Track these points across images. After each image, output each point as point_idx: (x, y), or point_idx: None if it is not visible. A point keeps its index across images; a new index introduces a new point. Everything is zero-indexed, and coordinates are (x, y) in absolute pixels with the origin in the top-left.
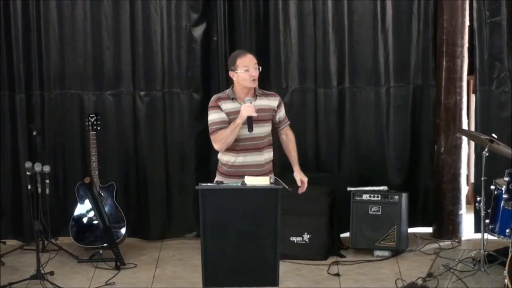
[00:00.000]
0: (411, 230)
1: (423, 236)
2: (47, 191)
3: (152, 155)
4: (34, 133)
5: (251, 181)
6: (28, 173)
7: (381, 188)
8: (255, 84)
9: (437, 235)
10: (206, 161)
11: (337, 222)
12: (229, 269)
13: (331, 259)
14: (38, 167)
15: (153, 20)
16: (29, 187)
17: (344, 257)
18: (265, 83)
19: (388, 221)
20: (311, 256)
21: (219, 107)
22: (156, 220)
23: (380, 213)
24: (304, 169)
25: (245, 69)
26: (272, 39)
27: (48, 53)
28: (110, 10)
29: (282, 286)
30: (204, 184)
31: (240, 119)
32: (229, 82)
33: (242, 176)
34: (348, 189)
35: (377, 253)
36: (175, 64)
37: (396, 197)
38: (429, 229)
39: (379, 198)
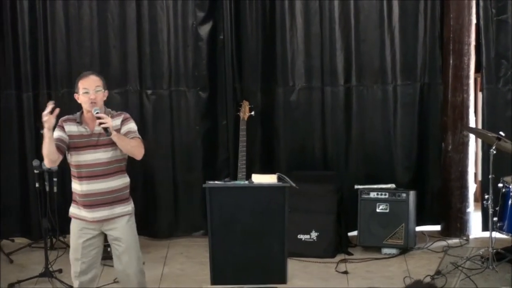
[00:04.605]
0: (419, 228)
1: (431, 234)
2: (55, 189)
3: (159, 153)
4: (42, 131)
5: (258, 179)
6: (35, 171)
7: (389, 186)
8: (93, 107)
9: (445, 233)
10: (213, 159)
11: (345, 220)
12: (237, 267)
13: (339, 257)
14: (45, 165)
15: (159, 19)
16: (36, 185)
17: (352, 255)
18: (272, 82)
19: (395, 219)
20: (319, 254)
21: (62, 128)
22: (163, 218)
23: (387, 211)
24: (311, 167)
25: (85, 91)
26: (279, 38)
27: (55, 52)
28: (116, 8)
29: (290, 283)
30: (212, 182)
31: (45, 126)
32: (236, 80)
33: (92, 206)
34: (356, 187)
35: (385, 251)
36: (181, 63)
37: (404, 195)
38: (437, 227)
39: (387, 196)
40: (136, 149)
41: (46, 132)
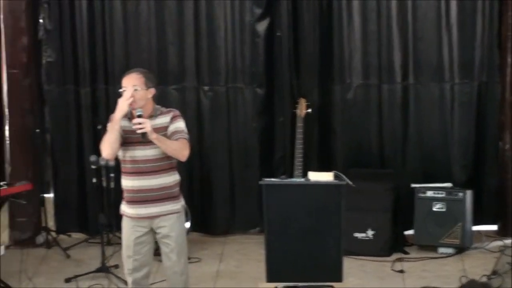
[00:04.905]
0: (475, 227)
1: (487, 233)
2: (112, 184)
3: (216, 150)
4: (99, 127)
5: (315, 176)
6: (93, 166)
7: (446, 185)
8: (132, 106)
9: (502, 233)
10: (270, 156)
11: (401, 218)
12: (293, 265)
13: (395, 256)
14: (103, 160)
15: (217, 15)
16: (94, 180)
17: (408, 253)
18: (329, 79)
19: (452, 218)
20: (375, 252)
21: None
22: (220, 215)
23: (444, 210)
24: (368, 165)
25: (123, 89)
26: (336, 35)
27: (113, 48)
28: (174, 5)
29: (346, 282)
30: (268, 179)
31: (118, 113)
32: (293, 77)
33: (141, 202)
34: (412, 185)
35: (441, 250)
36: (238, 59)
37: (461, 194)
38: (494, 227)
39: (444, 195)
40: (178, 152)
41: (117, 119)
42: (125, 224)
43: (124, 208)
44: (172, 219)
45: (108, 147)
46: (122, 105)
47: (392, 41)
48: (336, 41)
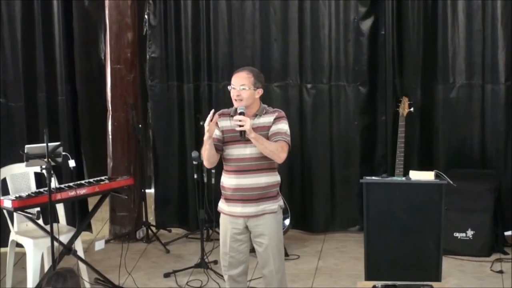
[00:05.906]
0: None
1: None
2: (213, 180)
3: (317, 147)
4: (201, 123)
5: (416, 175)
6: (194, 162)
7: None
8: (237, 104)
9: None
10: (371, 155)
11: (502, 219)
12: (392, 263)
13: (494, 256)
14: (205, 166)
15: (321, 13)
16: (195, 176)
17: (508, 254)
18: (432, 78)
19: None
20: (474, 252)
21: (216, 124)
22: (319, 212)
23: None
24: (469, 165)
25: (232, 87)
26: (440, 34)
27: (217, 44)
28: (278, 2)
29: (445, 282)
30: (369, 177)
31: (206, 134)
32: (396, 76)
33: (238, 201)
34: None
35: None
36: (342, 57)
37: None
38: None
39: None
40: (274, 154)
41: (206, 139)
42: (222, 221)
43: (222, 205)
44: (267, 218)
45: (206, 161)
46: (209, 128)
47: (496, 41)
48: (440, 40)
